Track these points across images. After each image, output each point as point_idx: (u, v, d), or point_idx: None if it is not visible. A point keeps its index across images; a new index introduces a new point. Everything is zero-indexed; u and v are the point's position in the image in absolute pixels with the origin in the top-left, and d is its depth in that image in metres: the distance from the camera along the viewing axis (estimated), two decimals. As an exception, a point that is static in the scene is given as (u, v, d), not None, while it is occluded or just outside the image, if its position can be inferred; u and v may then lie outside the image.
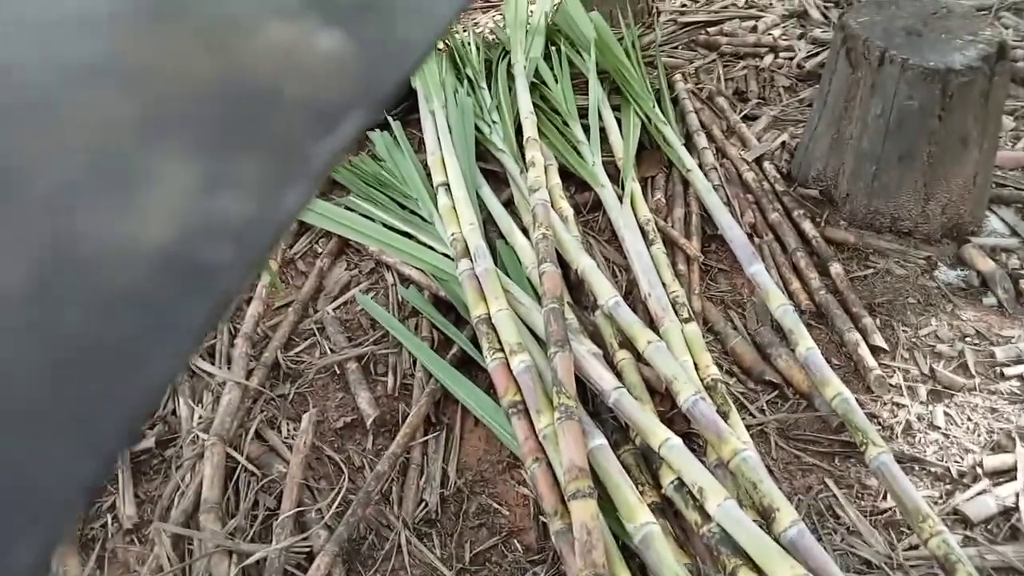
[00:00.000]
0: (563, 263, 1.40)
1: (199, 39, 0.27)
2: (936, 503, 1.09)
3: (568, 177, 1.70)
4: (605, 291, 1.29)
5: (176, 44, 0.26)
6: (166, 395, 1.26)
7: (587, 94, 1.90)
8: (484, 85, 1.94)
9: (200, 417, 1.21)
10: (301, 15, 0.29)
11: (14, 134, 0.23)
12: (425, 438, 1.20)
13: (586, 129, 1.78)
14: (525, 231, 1.50)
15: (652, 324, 1.29)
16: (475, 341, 1.28)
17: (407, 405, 1.25)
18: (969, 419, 1.20)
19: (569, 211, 1.52)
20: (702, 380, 1.18)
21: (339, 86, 0.28)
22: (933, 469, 1.14)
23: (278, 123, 0.26)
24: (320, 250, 1.58)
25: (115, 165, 0.23)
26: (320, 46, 0.28)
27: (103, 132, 0.23)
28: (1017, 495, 1.08)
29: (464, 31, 2.41)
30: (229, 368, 1.28)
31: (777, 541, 0.92)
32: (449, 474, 1.16)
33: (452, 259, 1.41)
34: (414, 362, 1.31)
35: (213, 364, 1.30)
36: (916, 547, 1.03)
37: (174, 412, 1.24)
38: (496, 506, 1.12)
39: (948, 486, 1.12)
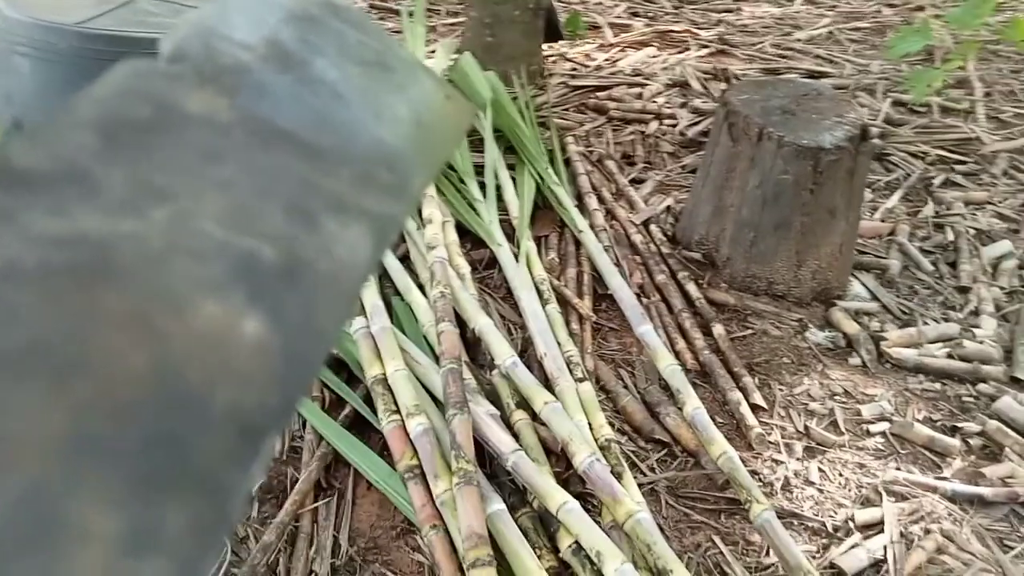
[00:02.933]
0: (460, 321, 1.40)
1: (129, 320, 0.23)
2: (814, 557, 1.15)
3: (464, 234, 1.71)
4: (502, 351, 1.30)
5: (106, 327, 0.23)
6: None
7: (483, 152, 1.93)
8: (380, 138, 1.93)
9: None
10: (228, 289, 0.25)
11: None
12: (315, 504, 1.15)
13: (482, 187, 1.81)
14: (422, 287, 1.49)
15: (548, 383, 1.30)
16: (368, 401, 1.25)
17: (296, 469, 1.20)
18: (841, 474, 1.28)
19: (466, 268, 1.53)
20: (596, 440, 1.20)
21: (263, 384, 0.24)
22: (810, 524, 1.20)
23: (205, 447, 0.22)
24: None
25: (38, 514, 0.19)
26: (245, 332, 0.24)
27: (27, 464, 0.20)
28: (885, 547, 1.15)
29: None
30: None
31: (671, 603, 0.94)
32: (341, 543, 1.11)
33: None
34: (303, 423, 1.26)
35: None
36: (797, 602, 1.08)
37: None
38: (390, 575, 1.09)
39: (824, 540, 1.18)
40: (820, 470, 1.28)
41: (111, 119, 0.28)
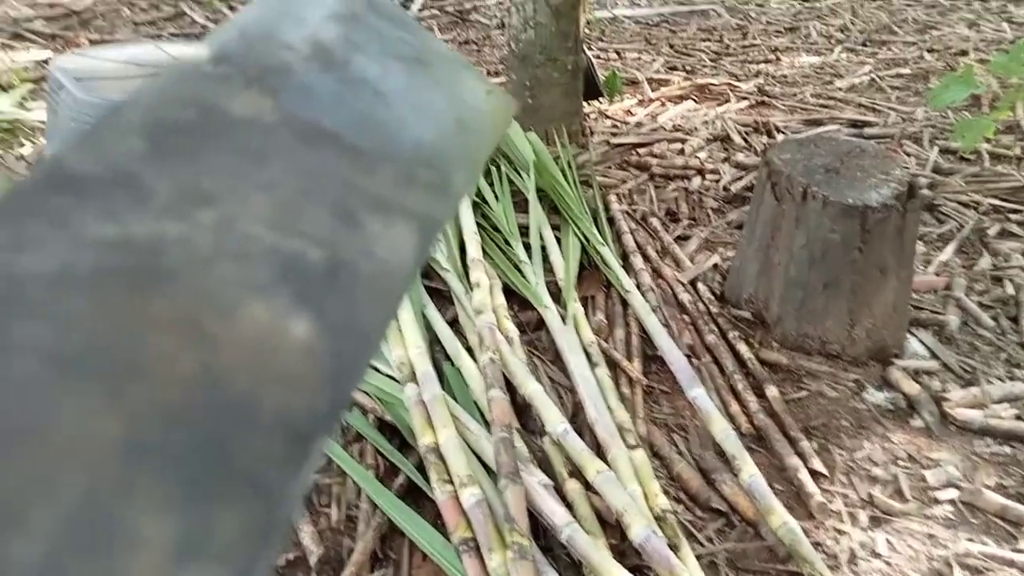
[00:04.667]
0: (510, 386, 1.40)
1: (179, 324, 0.23)
2: (884, 635, 1.10)
3: (511, 295, 1.72)
4: (553, 418, 1.29)
5: (157, 331, 0.23)
6: None
7: (527, 212, 1.96)
8: (427, 202, 1.97)
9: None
10: (274, 291, 0.25)
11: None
12: (372, 575, 1.15)
13: (527, 247, 1.82)
14: (471, 351, 1.50)
15: (600, 450, 1.29)
16: (421, 468, 1.26)
17: (352, 539, 1.20)
18: (909, 546, 1.23)
19: (514, 332, 1.53)
20: (652, 510, 1.18)
21: (311, 386, 0.24)
22: (878, 598, 1.15)
23: (255, 451, 0.22)
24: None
25: (97, 520, 0.20)
26: (293, 334, 0.24)
27: (87, 469, 0.20)
28: (959, 625, 1.10)
29: (406, 146, 2.46)
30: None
31: None
32: (396, 616, 1.10)
33: (398, 381, 1.39)
34: (359, 492, 1.27)
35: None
36: None
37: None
38: (445, 651, 1.07)
39: (893, 616, 1.13)
40: (887, 541, 1.24)
41: (158, 123, 0.29)
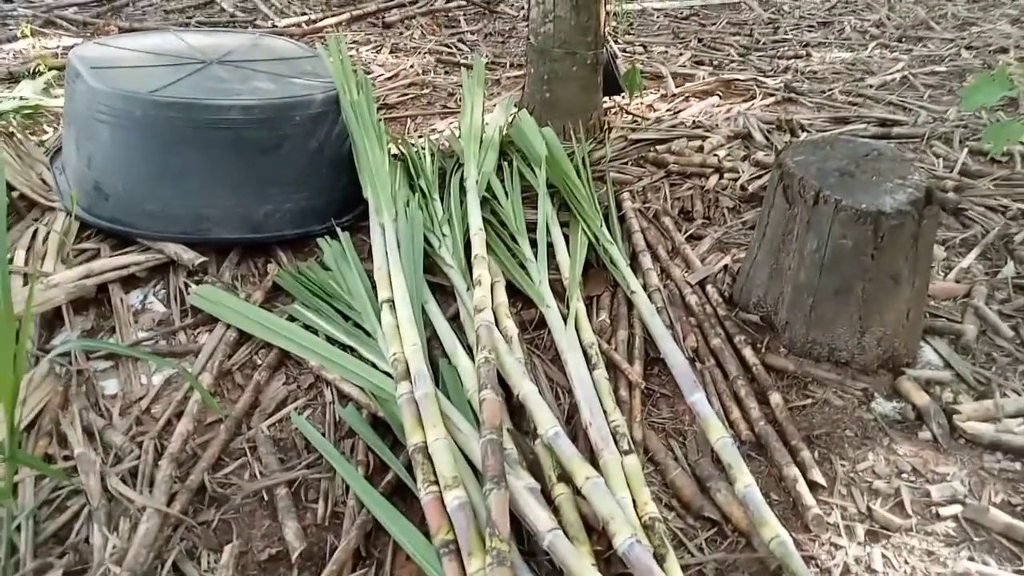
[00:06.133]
0: (506, 386, 1.39)
1: None
2: (873, 656, 1.07)
3: (515, 293, 1.71)
4: (546, 420, 1.27)
5: None
6: (79, 522, 1.19)
7: (536, 209, 1.94)
8: (436, 196, 1.97)
9: (114, 547, 1.14)
10: None
11: None
12: (354, 574, 1.14)
13: (534, 244, 1.80)
14: (470, 350, 1.49)
15: (592, 455, 1.27)
16: (411, 468, 1.25)
17: (336, 536, 1.20)
18: (906, 562, 1.19)
19: (514, 331, 1.52)
20: (640, 518, 1.15)
21: None
22: (870, 617, 1.12)
23: None
24: (259, 361, 1.54)
25: None
26: None
27: None
28: (953, 648, 1.06)
29: (420, 137, 2.46)
30: (151, 492, 1.22)
31: None
32: (376, 616, 1.10)
33: (393, 378, 1.38)
34: (347, 489, 1.27)
35: (134, 488, 1.24)
36: None
37: (87, 540, 1.17)
38: (424, 652, 1.06)
39: (885, 636, 1.10)
40: (883, 556, 1.20)
41: None
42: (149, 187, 1.79)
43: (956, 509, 1.28)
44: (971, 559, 1.20)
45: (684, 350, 1.55)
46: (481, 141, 2.15)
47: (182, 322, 1.63)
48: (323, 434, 1.37)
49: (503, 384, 1.39)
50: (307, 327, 1.59)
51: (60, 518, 1.19)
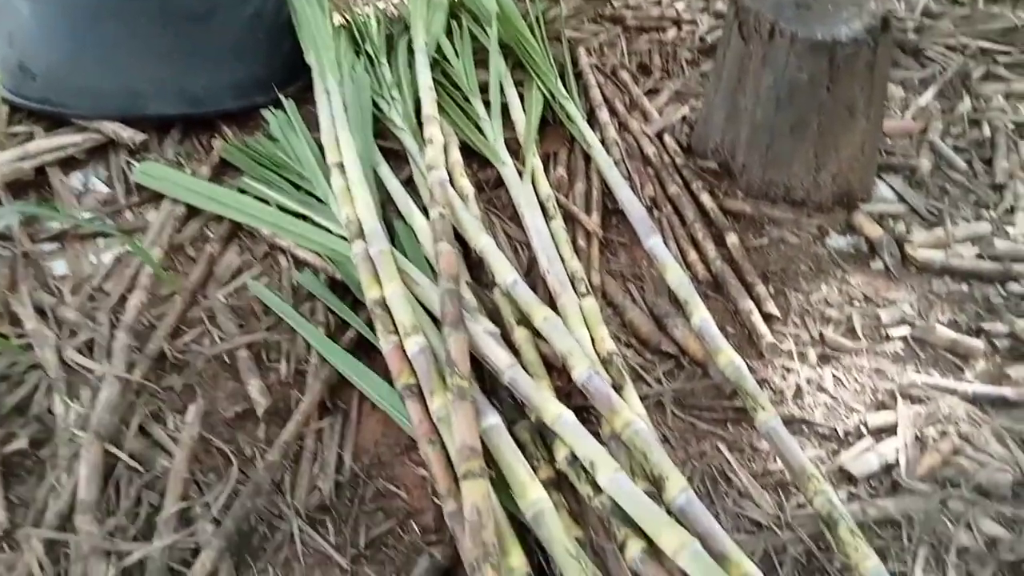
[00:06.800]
0: (464, 243, 1.38)
1: None
2: (822, 463, 1.12)
3: (472, 154, 1.67)
4: (504, 270, 1.27)
5: None
6: (39, 393, 1.18)
7: (488, 69, 1.87)
8: (385, 61, 1.89)
9: (77, 414, 1.14)
10: None
11: None
12: (319, 424, 1.16)
13: (488, 105, 1.75)
14: (425, 211, 1.47)
15: (551, 301, 1.28)
16: (372, 325, 1.25)
17: (301, 392, 1.21)
18: (856, 380, 1.24)
19: (470, 189, 1.49)
20: (598, 354, 1.18)
21: None
22: (820, 430, 1.17)
23: None
24: (211, 235, 1.51)
25: None
26: None
27: None
28: (897, 450, 1.12)
29: (366, 4, 2.34)
30: (109, 361, 1.21)
31: (668, 510, 0.93)
32: (344, 459, 1.13)
33: (348, 240, 1.37)
34: (308, 348, 1.27)
35: (92, 359, 1.23)
36: (803, 506, 1.06)
37: (49, 410, 1.17)
38: (394, 489, 1.10)
39: (834, 445, 1.15)
40: (834, 376, 1.25)
41: None
42: (76, 63, 1.69)
43: (905, 330, 1.32)
44: (917, 372, 1.24)
45: (642, 199, 1.54)
46: (429, 3, 2.05)
47: (127, 201, 1.59)
48: (281, 300, 1.36)
49: (461, 241, 1.38)
50: (258, 199, 1.55)
51: (19, 391, 1.19)
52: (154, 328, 1.30)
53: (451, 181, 1.48)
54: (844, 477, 1.10)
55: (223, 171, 1.69)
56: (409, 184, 1.59)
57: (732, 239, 1.46)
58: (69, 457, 1.09)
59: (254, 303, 1.37)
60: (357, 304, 1.33)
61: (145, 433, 1.15)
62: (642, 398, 1.15)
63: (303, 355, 1.27)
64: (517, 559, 0.90)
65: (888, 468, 1.11)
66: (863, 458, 1.11)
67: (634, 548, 0.89)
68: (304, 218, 1.49)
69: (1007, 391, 1.19)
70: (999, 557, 0.99)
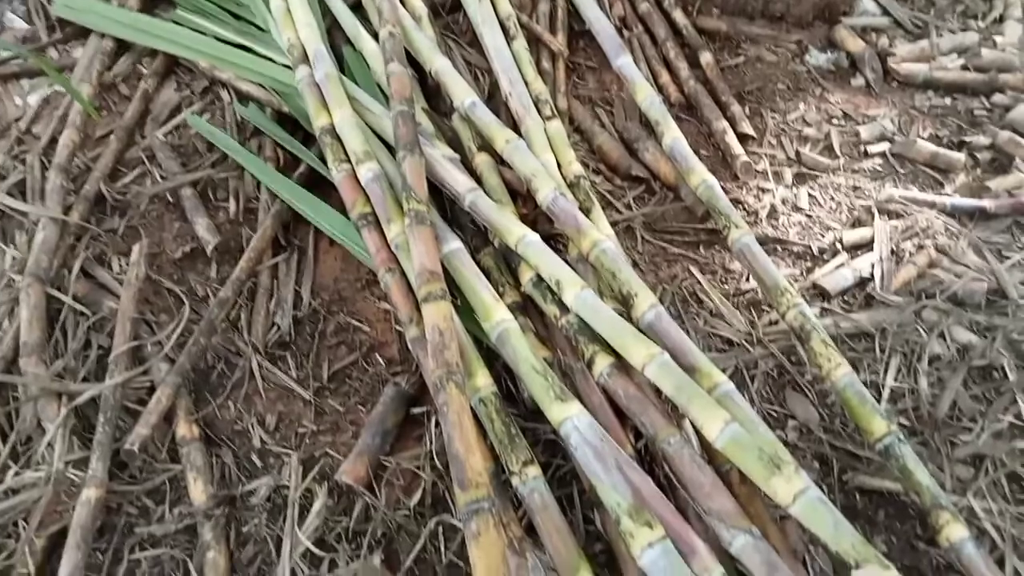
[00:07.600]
0: (418, 68, 1.28)
1: None
2: (796, 280, 1.09)
3: (425, -24, 1.53)
4: (461, 91, 1.18)
5: None
6: (-30, 239, 1.11)
7: None
8: None
9: (14, 259, 1.08)
10: None
11: None
12: (274, 261, 1.11)
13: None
14: (376, 36, 1.35)
15: (515, 125, 1.20)
16: (324, 159, 1.17)
17: (252, 230, 1.15)
18: (832, 198, 1.20)
19: (423, 10, 1.37)
20: (564, 178, 1.11)
21: None
22: (795, 249, 1.14)
23: None
24: (144, 71, 1.39)
25: None
26: None
27: None
28: (873, 265, 1.09)
29: None
30: (44, 203, 1.13)
31: (637, 327, 0.90)
32: (303, 296, 1.08)
33: (292, 68, 1.26)
34: (258, 185, 1.19)
35: (24, 201, 1.15)
36: (776, 322, 1.04)
37: (-16, 257, 1.10)
38: (356, 323, 1.06)
39: (809, 263, 1.12)
40: (810, 195, 1.20)
41: None
42: None
43: (884, 146, 1.27)
44: (895, 187, 1.20)
45: (610, 17, 1.43)
46: None
47: (50, 37, 1.45)
48: (226, 136, 1.27)
49: (415, 67, 1.28)
50: (194, 31, 1.42)
51: (-51, 238, 1.11)
52: (90, 170, 1.21)
53: (402, 1, 1.35)
54: (818, 293, 1.08)
55: (154, 2, 1.53)
56: (358, 9, 1.46)
57: (706, 58, 1.37)
58: (9, 302, 1.03)
59: (196, 140, 1.27)
60: (309, 139, 1.25)
61: (89, 276, 1.09)
62: (612, 224, 1.10)
63: (252, 192, 1.19)
64: (483, 379, 0.88)
65: (863, 283, 1.08)
66: (837, 273, 1.08)
67: (602, 364, 0.87)
68: (245, 49, 1.37)
69: (986, 203, 1.16)
70: (970, 363, 0.98)
